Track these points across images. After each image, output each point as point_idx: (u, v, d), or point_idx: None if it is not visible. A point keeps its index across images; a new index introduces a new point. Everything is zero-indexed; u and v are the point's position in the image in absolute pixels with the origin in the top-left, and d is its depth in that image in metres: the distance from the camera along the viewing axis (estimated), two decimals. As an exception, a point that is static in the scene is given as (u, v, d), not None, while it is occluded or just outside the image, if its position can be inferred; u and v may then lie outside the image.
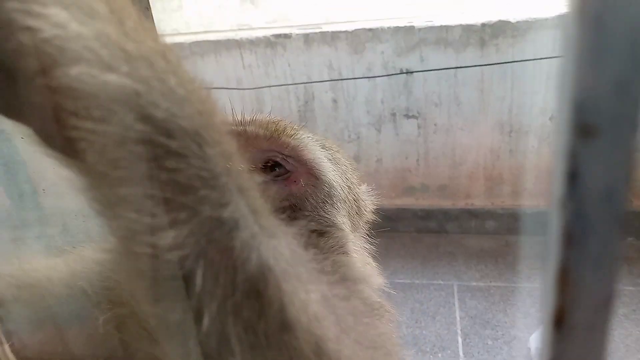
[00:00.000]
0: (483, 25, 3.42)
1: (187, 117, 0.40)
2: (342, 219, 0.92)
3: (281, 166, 0.90)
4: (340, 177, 0.96)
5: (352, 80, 3.74)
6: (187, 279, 0.41)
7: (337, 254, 0.86)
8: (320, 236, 0.87)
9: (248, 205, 0.44)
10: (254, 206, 0.44)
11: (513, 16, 3.38)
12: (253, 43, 3.80)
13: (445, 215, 4.01)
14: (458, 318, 3.14)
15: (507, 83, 3.52)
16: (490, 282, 3.41)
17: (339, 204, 0.93)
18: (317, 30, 3.68)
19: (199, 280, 0.40)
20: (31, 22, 0.36)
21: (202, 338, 0.42)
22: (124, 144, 0.38)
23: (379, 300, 0.87)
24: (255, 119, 0.96)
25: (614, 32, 0.26)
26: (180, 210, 0.40)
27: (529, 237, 3.54)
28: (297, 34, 3.70)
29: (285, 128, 0.94)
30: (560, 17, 0.30)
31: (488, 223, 3.92)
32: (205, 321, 0.41)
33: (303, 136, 0.95)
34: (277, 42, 3.76)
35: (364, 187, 1.09)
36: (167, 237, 0.39)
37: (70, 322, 0.74)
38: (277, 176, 0.89)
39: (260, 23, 4.03)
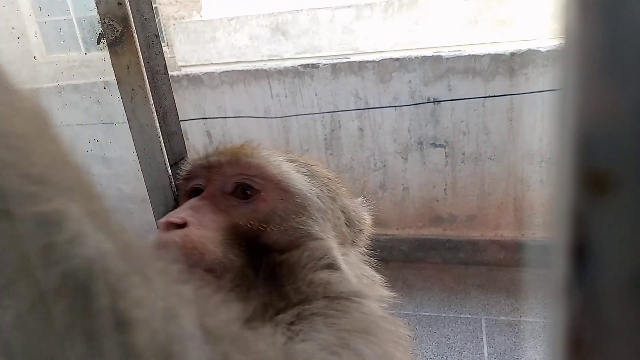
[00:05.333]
0: (512, 54, 3.40)
1: None
2: (320, 229, 0.90)
3: (251, 187, 0.90)
4: (315, 187, 0.94)
5: (379, 109, 3.75)
6: None
7: (316, 270, 0.83)
8: (296, 249, 0.85)
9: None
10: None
11: (543, 45, 3.35)
12: (281, 73, 3.87)
13: (474, 247, 3.92)
14: (486, 354, 3.03)
15: (537, 112, 3.46)
16: (520, 317, 3.30)
17: (316, 214, 0.91)
18: (345, 60, 3.72)
19: None
20: None
21: None
22: None
23: (384, 314, 0.84)
24: (217, 149, 0.97)
25: (634, 32, 0.17)
26: None
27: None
28: (324, 64, 3.75)
29: (243, 149, 0.94)
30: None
31: (518, 255, 3.80)
32: None
33: (264, 153, 0.94)
34: (304, 71, 3.82)
35: (358, 200, 1.08)
36: None
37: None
38: (248, 198, 0.89)
39: (290, 54, 4.12)
